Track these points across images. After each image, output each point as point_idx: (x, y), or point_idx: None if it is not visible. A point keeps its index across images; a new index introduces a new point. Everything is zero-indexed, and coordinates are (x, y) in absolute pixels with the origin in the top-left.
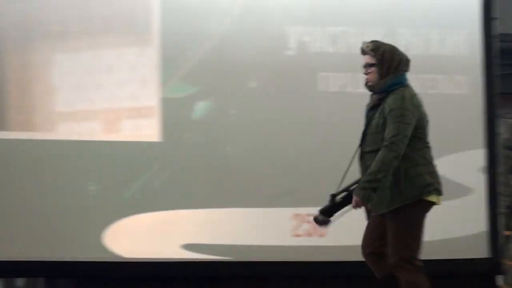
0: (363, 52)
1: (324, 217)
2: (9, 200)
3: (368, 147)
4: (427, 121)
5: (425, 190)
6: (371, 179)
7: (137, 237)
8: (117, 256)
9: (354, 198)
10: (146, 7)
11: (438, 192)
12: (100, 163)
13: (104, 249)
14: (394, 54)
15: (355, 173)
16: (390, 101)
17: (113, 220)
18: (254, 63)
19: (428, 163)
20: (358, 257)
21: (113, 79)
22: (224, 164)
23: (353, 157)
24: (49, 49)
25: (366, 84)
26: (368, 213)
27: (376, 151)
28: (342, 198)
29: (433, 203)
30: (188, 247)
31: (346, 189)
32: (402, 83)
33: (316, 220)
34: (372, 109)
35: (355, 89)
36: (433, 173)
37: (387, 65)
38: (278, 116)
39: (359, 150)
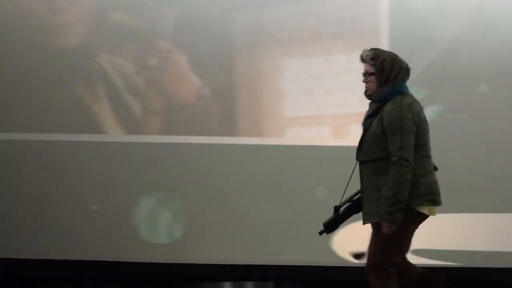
0: (363, 60)
1: (327, 230)
2: (236, 205)
3: (365, 156)
4: (427, 128)
5: (416, 202)
6: (393, 202)
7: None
8: (345, 261)
9: (385, 225)
10: (375, 12)
11: (433, 203)
12: (328, 168)
13: (332, 254)
14: (394, 63)
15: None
16: (388, 111)
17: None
18: (484, 66)
19: (428, 173)
20: None
21: (341, 84)
22: (452, 168)
23: (354, 168)
24: (278, 55)
25: (365, 93)
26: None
27: (372, 161)
28: (345, 209)
29: (424, 215)
30: (417, 252)
31: (349, 200)
32: (400, 92)
33: (321, 233)
34: (370, 117)
35: None
36: (431, 183)
37: (386, 74)
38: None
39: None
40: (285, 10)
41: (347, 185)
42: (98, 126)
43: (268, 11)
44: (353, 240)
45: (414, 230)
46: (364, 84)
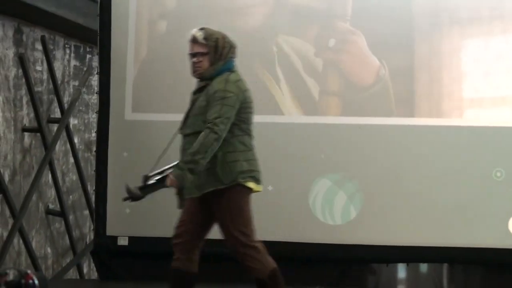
0: (195, 40)
1: (134, 194)
2: (412, 187)
3: (188, 129)
4: (252, 107)
5: (241, 176)
6: (189, 160)
7: None
8: None
9: (170, 177)
10: None
11: (256, 180)
12: (508, 150)
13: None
14: (225, 41)
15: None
16: (214, 84)
17: None
18: None
19: (248, 150)
20: None
21: None
22: None
23: (172, 140)
24: (458, 35)
25: (194, 73)
26: (181, 199)
27: (196, 133)
28: (155, 180)
29: (251, 190)
30: None
31: (161, 172)
32: (230, 69)
33: (128, 191)
34: (197, 92)
35: None
36: (251, 160)
37: (219, 52)
38: None
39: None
40: None
41: (161, 155)
42: (277, 107)
43: None
44: None
45: (248, 204)
46: (193, 64)
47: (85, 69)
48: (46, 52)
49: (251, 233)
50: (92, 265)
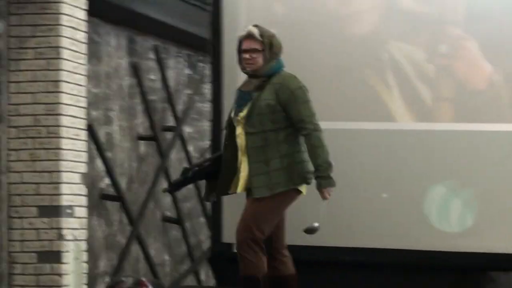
0: (251, 36)
1: (172, 188)
2: None
3: (253, 128)
4: None
5: (308, 176)
6: (328, 166)
7: None
8: None
9: (325, 190)
10: None
11: (308, 182)
12: None
13: None
14: (278, 40)
15: None
16: (285, 82)
17: None
18: None
19: (305, 150)
20: None
21: None
22: None
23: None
24: None
25: (246, 68)
26: (210, 192)
27: (262, 132)
28: (193, 173)
29: (300, 193)
30: None
31: (199, 165)
32: (283, 67)
33: (164, 191)
34: (255, 90)
35: None
36: (309, 161)
37: (273, 51)
38: None
39: (228, 132)
40: None
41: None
42: (388, 114)
43: None
44: None
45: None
46: (245, 60)
47: (197, 77)
48: (159, 61)
49: (265, 232)
50: (210, 272)
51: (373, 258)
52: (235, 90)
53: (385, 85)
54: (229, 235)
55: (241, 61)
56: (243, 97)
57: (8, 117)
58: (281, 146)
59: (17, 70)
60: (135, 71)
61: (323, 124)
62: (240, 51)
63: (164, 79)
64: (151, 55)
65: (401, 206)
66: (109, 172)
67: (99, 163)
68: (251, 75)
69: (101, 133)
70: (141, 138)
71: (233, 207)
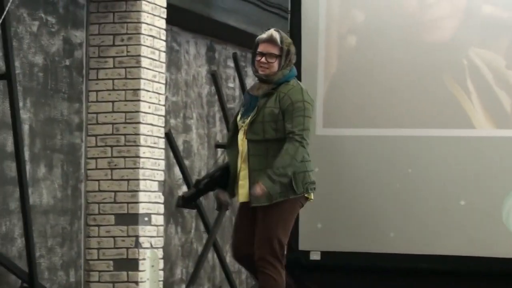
0: (272, 41)
1: (184, 202)
2: None
3: (256, 135)
4: None
5: (310, 186)
6: (281, 173)
7: None
8: None
9: (260, 187)
10: None
11: (314, 192)
12: None
13: None
14: (294, 48)
15: None
16: (290, 93)
17: None
18: None
19: (310, 160)
20: None
21: None
22: None
23: (232, 143)
24: None
25: (260, 72)
26: (221, 202)
27: (264, 141)
28: (205, 184)
29: (307, 200)
30: None
31: (210, 176)
32: (295, 76)
33: (179, 203)
34: (263, 97)
35: None
36: (312, 171)
37: (289, 58)
38: None
39: (231, 135)
40: None
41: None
42: (468, 121)
43: None
44: None
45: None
46: (259, 63)
47: None
48: (238, 69)
49: (284, 245)
50: None
51: (451, 265)
52: (245, 92)
53: (465, 91)
54: (305, 242)
55: (254, 63)
56: (251, 102)
57: (87, 125)
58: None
59: (97, 79)
60: (214, 79)
61: (403, 131)
62: (255, 53)
63: (242, 87)
64: (230, 63)
65: (480, 214)
66: (187, 180)
67: (176, 171)
68: (263, 80)
69: (179, 141)
70: (219, 146)
71: (309, 215)
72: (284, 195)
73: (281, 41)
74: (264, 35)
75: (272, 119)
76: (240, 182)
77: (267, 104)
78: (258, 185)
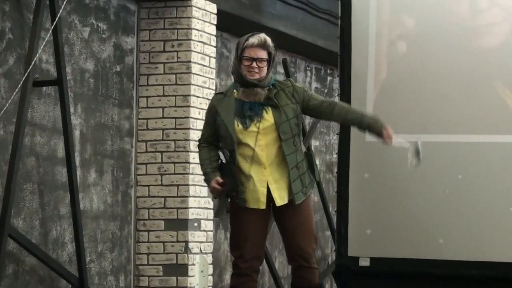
0: (264, 46)
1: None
2: None
3: (286, 134)
4: None
5: (319, 178)
6: (373, 116)
7: None
8: None
9: (387, 127)
10: None
11: None
12: None
13: None
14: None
15: None
16: (292, 85)
17: None
18: None
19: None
20: None
21: None
22: None
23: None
24: None
25: (253, 77)
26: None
27: (292, 137)
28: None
29: None
30: None
31: (227, 183)
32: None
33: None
34: (268, 100)
35: None
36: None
37: (274, 62)
38: None
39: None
40: None
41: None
42: None
43: None
44: None
45: None
46: (251, 68)
47: (326, 91)
48: (288, 74)
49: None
50: (334, 285)
51: (501, 272)
52: (236, 101)
53: None
54: (354, 249)
55: (239, 68)
56: (251, 108)
57: (138, 131)
58: (302, 148)
59: (147, 85)
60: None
61: (454, 138)
62: (242, 58)
63: None
64: (280, 69)
65: None
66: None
67: None
68: (254, 84)
69: None
70: None
71: (359, 221)
72: (311, 186)
73: (269, 45)
74: (252, 40)
75: (294, 115)
76: (272, 186)
77: (282, 103)
78: (387, 128)
